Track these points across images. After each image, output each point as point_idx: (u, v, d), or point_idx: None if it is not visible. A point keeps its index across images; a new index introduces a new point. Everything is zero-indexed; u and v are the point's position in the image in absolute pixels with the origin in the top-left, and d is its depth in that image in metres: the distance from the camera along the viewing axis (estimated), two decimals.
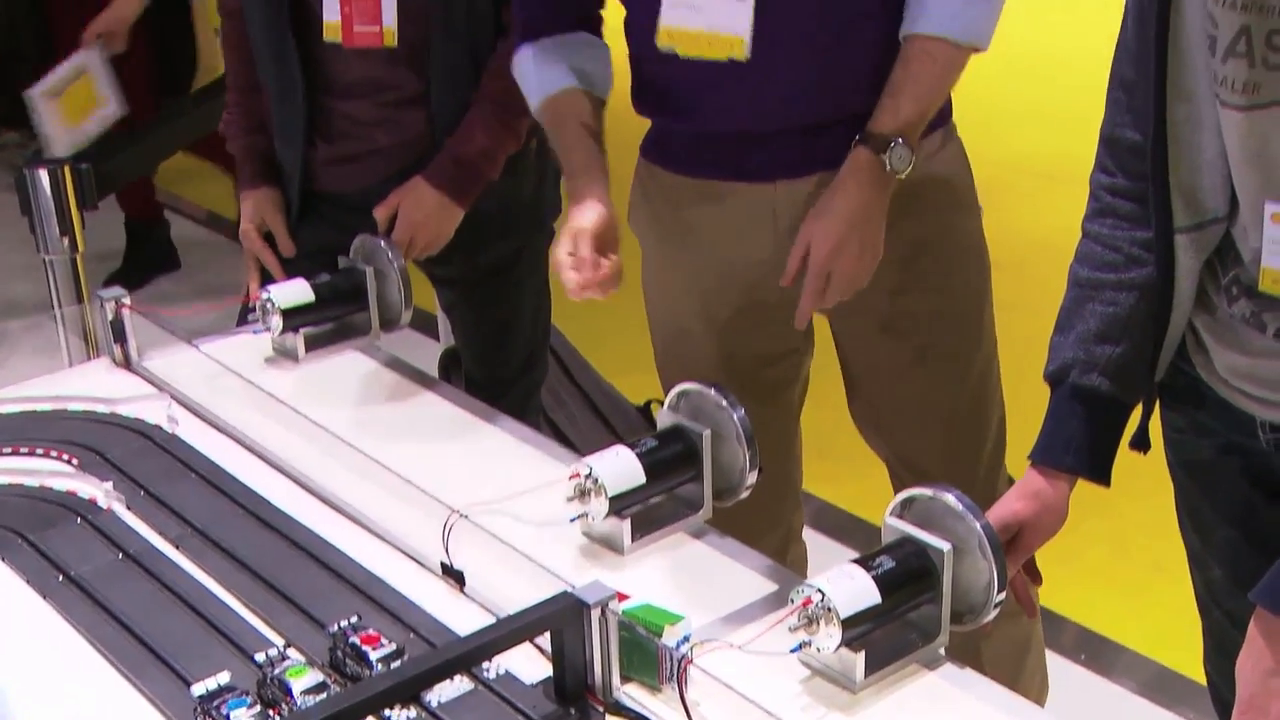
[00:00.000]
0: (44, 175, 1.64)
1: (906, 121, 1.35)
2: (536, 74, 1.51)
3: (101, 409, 1.49)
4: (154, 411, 1.47)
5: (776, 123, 1.41)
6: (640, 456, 1.18)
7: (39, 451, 1.39)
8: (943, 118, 1.48)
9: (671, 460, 1.21)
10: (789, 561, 1.68)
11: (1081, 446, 1.14)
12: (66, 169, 1.65)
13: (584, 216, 1.39)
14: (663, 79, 1.45)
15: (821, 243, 1.34)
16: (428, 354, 2.15)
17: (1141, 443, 1.20)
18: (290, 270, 1.75)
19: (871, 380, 1.57)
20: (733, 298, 1.52)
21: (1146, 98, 1.08)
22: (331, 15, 1.68)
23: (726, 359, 1.55)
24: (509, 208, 1.83)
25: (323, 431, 1.40)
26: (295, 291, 1.56)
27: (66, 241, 1.68)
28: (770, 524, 1.65)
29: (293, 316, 1.56)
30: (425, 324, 2.34)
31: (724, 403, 1.20)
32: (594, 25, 1.55)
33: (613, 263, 1.37)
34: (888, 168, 1.34)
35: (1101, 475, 1.15)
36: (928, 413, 1.54)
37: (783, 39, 1.37)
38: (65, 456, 1.39)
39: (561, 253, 1.38)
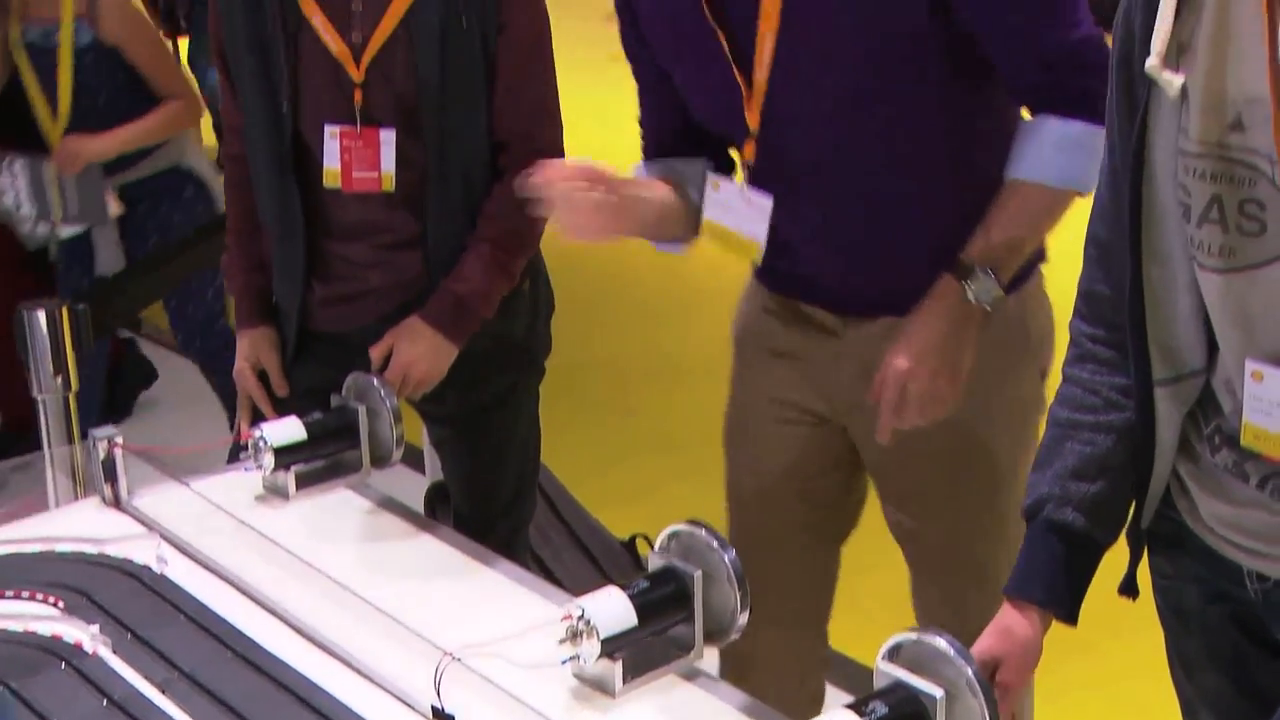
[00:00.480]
0: (41, 316, 1.67)
1: (994, 253, 1.39)
2: (638, 174, 1.61)
3: (90, 549, 1.49)
4: (143, 551, 1.47)
5: (836, 295, 1.52)
6: (632, 598, 1.19)
7: (25, 595, 1.39)
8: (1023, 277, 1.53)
9: (663, 602, 1.21)
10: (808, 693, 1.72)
11: (1052, 582, 1.15)
12: (65, 310, 1.68)
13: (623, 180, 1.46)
14: None
15: (898, 360, 1.38)
16: (414, 487, 2.16)
17: (1130, 589, 1.20)
18: (283, 408, 1.77)
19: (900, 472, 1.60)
20: (809, 402, 1.61)
21: (1122, 258, 1.12)
22: (331, 162, 1.74)
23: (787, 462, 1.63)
24: (502, 346, 1.86)
25: (313, 571, 1.40)
26: (288, 430, 1.58)
27: (60, 380, 1.70)
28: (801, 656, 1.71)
29: (285, 454, 1.57)
30: (412, 457, 2.36)
31: (715, 544, 1.21)
32: (719, 157, 1.62)
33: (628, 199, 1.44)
34: (970, 297, 1.38)
35: (1069, 612, 1.15)
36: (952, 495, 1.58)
37: (831, 237, 1.48)
38: (52, 599, 1.38)
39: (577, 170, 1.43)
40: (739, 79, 1.44)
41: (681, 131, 1.59)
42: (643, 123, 1.66)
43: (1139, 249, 1.10)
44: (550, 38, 1.79)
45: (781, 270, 1.58)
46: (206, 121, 5.48)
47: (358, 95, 1.72)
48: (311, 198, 1.78)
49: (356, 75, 1.71)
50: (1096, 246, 1.18)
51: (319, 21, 1.71)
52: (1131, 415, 1.15)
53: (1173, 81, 1.03)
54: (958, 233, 1.42)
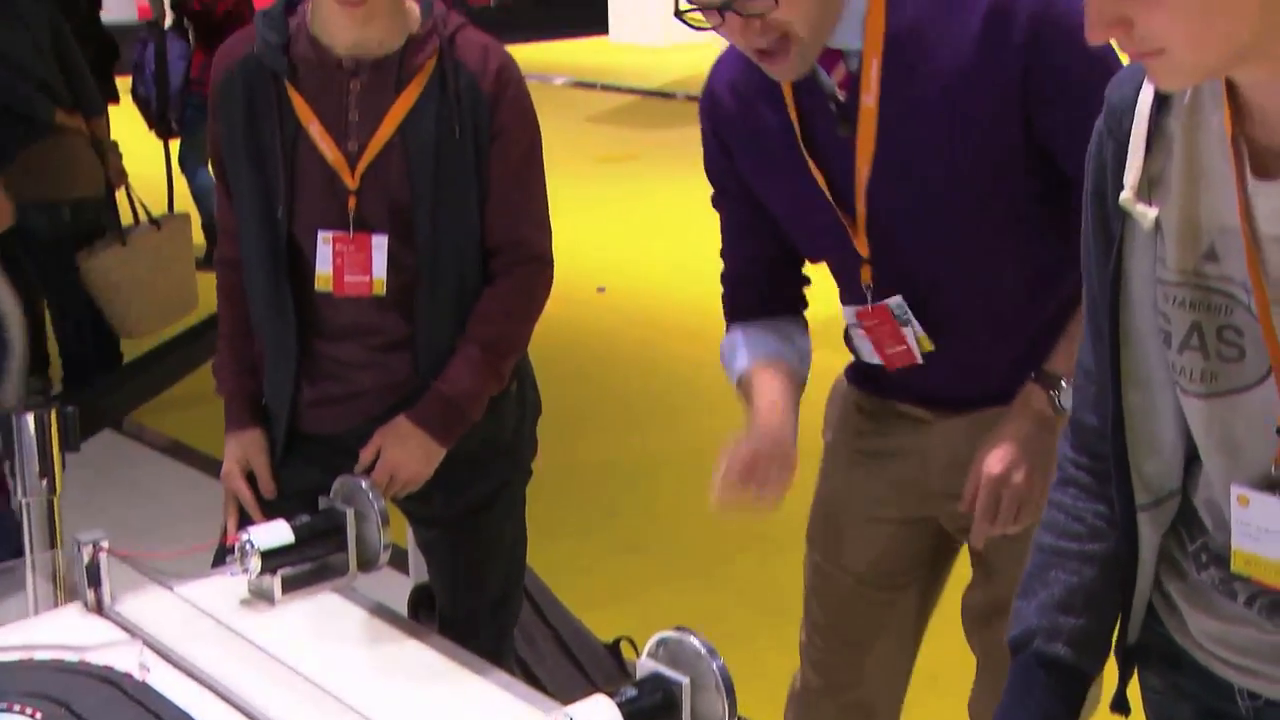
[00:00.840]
0: (30, 420, 1.66)
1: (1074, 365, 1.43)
2: (746, 345, 1.63)
3: (70, 657, 1.46)
4: (125, 658, 1.45)
5: (930, 394, 1.58)
6: (620, 706, 1.18)
7: (2, 706, 1.36)
8: None
9: (651, 710, 1.20)
10: None
11: (1042, 713, 1.15)
12: (54, 412, 1.67)
13: (771, 443, 1.49)
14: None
15: (991, 464, 1.42)
16: (399, 589, 2.14)
17: (1121, 706, 1.20)
18: (269, 511, 1.76)
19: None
20: (901, 499, 1.66)
21: (1103, 384, 1.14)
22: (324, 267, 1.76)
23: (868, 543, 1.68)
24: (490, 448, 1.87)
25: (298, 677, 1.38)
26: (275, 533, 1.57)
27: (45, 484, 1.69)
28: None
29: (271, 558, 1.56)
30: (397, 558, 2.34)
31: (703, 651, 1.21)
32: (798, 305, 1.70)
33: (781, 484, 1.48)
34: (1057, 405, 1.44)
35: None
36: None
37: (939, 347, 1.54)
38: (29, 710, 1.35)
39: (739, 456, 1.47)
40: (839, 212, 1.50)
41: (767, 260, 1.65)
42: (726, 253, 1.69)
43: (1119, 376, 1.12)
44: (541, 145, 1.83)
45: (878, 373, 1.62)
46: (196, 221, 5.57)
47: (352, 202, 1.75)
48: (304, 300, 1.80)
49: (351, 182, 1.74)
50: (1084, 376, 1.20)
51: (316, 130, 1.74)
52: (1114, 543, 1.16)
53: (1146, 214, 1.06)
54: (1049, 340, 1.48)
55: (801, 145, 1.50)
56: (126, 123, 5.21)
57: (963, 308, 1.54)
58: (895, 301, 1.52)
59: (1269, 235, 1.00)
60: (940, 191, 1.46)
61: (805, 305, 1.71)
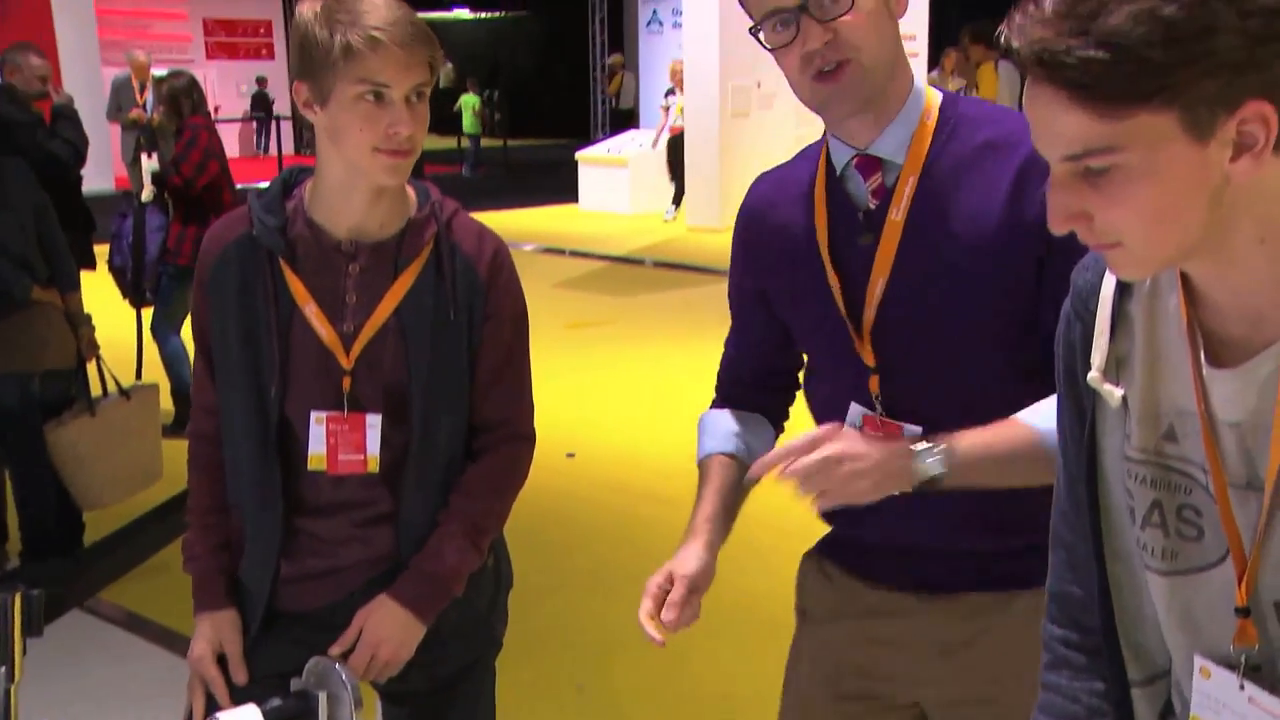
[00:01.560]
0: None
1: (958, 447, 1.38)
2: (711, 431, 1.71)
3: None
4: None
5: (912, 566, 1.53)
6: (265, 712, 1.35)
7: None
8: None
9: (291, 714, 1.42)
10: None
11: None
12: (17, 597, 1.64)
13: (687, 562, 1.55)
14: None
15: (841, 445, 1.35)
16: None
17: None
18: (240, 694, 1.72)
19: None
20: (877, 683, 1.63)
21: (1087, 558, 1.16)
22: (317, 447, 1.75)
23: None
24: (466, 621, 1.85)
25: None
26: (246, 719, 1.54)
27: (3, 671, 1.64)
28: None
29: None
30: None
31: (341, 673, 1.41)
32: (781, 412, 1.76)
33: (694, 608, 1.52)
34: (917, 465, 1.37)
35: None
36: None
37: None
38: None
39: (653, 584, 1.53)
40: (848, 320, 1.53)
41: (762, 370, 1.72)
42: (727, 358, 1.77)
43: (1101, 550, 1.13)
44: (528, 323, 1.86)
45: (853, 541, 1.61)
46: (165, 387, 5.57)
47: (346, 382, 1.75)
48: (290, 477, 1.79)
49: (346, 363, 1.75)
50: (1063, 548, 1.21)
51: (312, 310, 1.74)
52: None
53: (1114, 394, 1.10)
54: (1036, 495, 1.41)
55: (822, 247, 1.53)
56: (100, 290, 5.26)
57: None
58: (911, 430, 1.50)
59: (1224, 421, 1.04)
60: (950, 319, 1.48)
61: (786, 415, 1.76)
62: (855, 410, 1.55)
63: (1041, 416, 1.40)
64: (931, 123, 1.50)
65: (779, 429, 1.76)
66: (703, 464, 1.69)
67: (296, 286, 1.74)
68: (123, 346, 5.19)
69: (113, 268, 5.46)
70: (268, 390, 1.75)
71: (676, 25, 17.30)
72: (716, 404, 1.76)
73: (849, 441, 1.37)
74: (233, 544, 1.85)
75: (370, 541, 1.80)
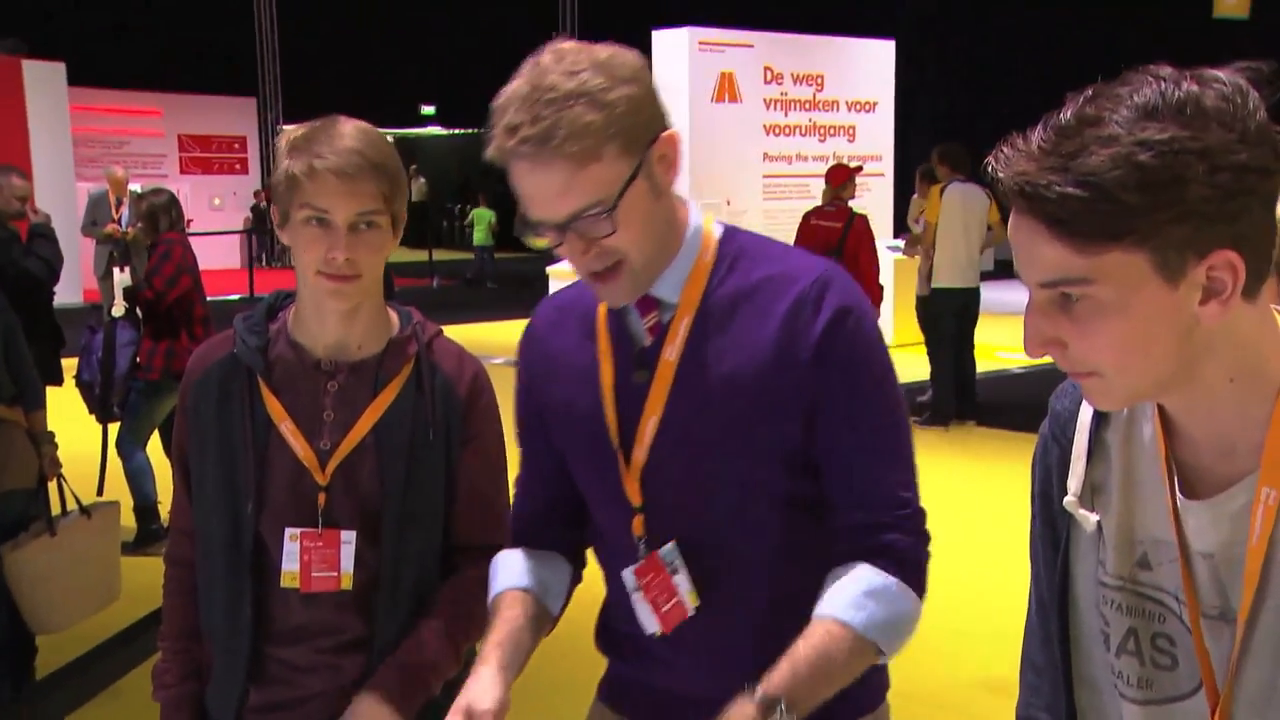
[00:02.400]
0: None
1: (797, 691, 1.34)
2: (503, 570, 1.63)
3: None
4: None
5: (716, 688, 1.43)
6: None
7: None
8: (869, 705, 1.54)
9: None
10: None
11: None
12: None
13: (483, 696, 1.45)
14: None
15: None
16: None
17: None
18: None
19: None
20: None
21: (1055, 683, 1.15)
22: (290, 564, 1.74)
23: None
24: None
25: None
26: None
27: None
28: None
29: None
30: None
31: None
32: (577, 553, 1.67)
33: None
34: None
35: None
36: None
37: (706, 627, 1.48)
38: None
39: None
40: (620, 456, 1.50)
41: (553, 500, 1.64)
42: (518, 493, 1.71)
43: (1070, 677, 1.13)
44: (504, 444, 1.85)
45: (640, 683, 1.57)
46: (128, 504, 5.49)
47: (321, 498, 1.74)
48: (260, 600, 1.76)
49: (321, 479, 1.75)
50: (1033, 673, 1.21)
51: (288, 428, 1.75)
52: None
53: (1089, 519, 1.11)
54: (792, 636, 1.40)
55: (604, 380, 1.52)
56: (66, 404, 5.22)
57: (722, 577, 1.49)
58: (667, 549, 1.49)
59: (1197, 551, 1.05)
60: (716, 459, 1.46)
61: (583, 557, 1.68)
62: (628, 575, 1.53)
63: (848, 607, 1.39)
64: (709, 260, 1.49)
65: (576, 566, 1.68)
66: (492, 603, 1.61)
67: (273, 404, 1.76)
68: (86, 461, 5.12)
69: (80, 382, 5.42)
70: (243, 508, 1.75)
71: None
72: (509, 546, 1.68)
73: None
74: (203, 671, 1.82)
75: (340, 669, 1.76)
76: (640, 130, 1.39)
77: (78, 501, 3.94)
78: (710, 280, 1.48)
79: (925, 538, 1.46)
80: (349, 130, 1.69)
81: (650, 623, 1.52)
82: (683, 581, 1.49)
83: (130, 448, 5.55)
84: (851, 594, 1.41)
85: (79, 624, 3.93)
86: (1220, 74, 0.97)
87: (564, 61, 1.37)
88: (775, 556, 1.48)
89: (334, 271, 1.69)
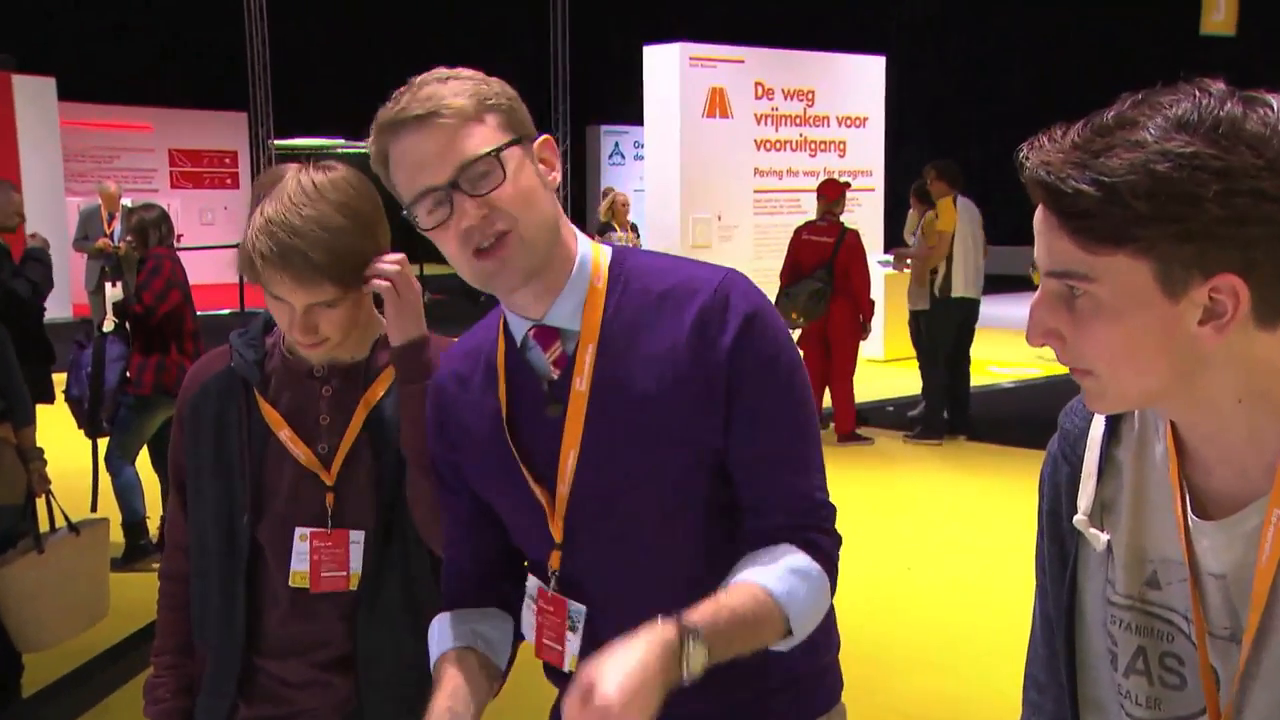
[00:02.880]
0: None
1: (716, 632, 1.28)
2: (439, 634, 1.57)
3: None
4: None
5: None
6: None
7: None
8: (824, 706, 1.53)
9: None
10: None
11: None
12: None
13: None
14: None
15: (606, 689, 1.19)
16: None
17: None
18: None
19: None
20: None
21: (1060, 702, 1.14)
22: (300, 564, 1.74)
23: None
24: None
25: None
26: None
27: None
28: None
29: None
30: None
31: None
32: (512, 601, 1.61)
33: None
34: (681, 657, 1.25)
35: None
36: None
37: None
38: None
39: None
40: (540, 494, 1.48)
41: (481, 551, 1.59)
42: (446, 552, 1.63)
43: (1075, 696, 1.12)
44: None
45: None
46: (117, 519, 5.45)
47: (330, 499, 1.75)
48: (254, 613, 1.76)
49: (329, 480, 1.75)
50: (1036, 691, 1.20)
51: (286, 435, 1.76)
52: None
53: (1099, 538, 1.10)
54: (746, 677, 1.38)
55: (505, 427, 1.49)
56: (56, 422, 5.19)
57: (652, 611, 1.38)
58: (577, 609, 1.48)
59: (1208, 571, 1.04)
60: (638, 484, 1.44)
61: (519, 604, 1.60)
62: (532, 582, 1.53)
63: (773, 577, 1.37)
64: (602, 285, 1.48)
65: (518, 620, 1.60)
66: (434, 671, 1.54)
67: (270, 414, 1.77)
68: (78, 477, 5.10)
69: (70, 398, 5.39)
70: (239, 519, 1.75)
71: (638, 157, 17.72)
72: (442, 610, 1.61)
73: (612, 675, 1.21)
74: (192, 686, 1.82)
75: (330, 685, 1.76)
76: (518, 119, 1.44)
77: (66, 518, 3.92)
78: (607, 303, 1.47)
79: (838, 540, 1.47)
80: (313, 213, 1.62)
81: (529, 633, 1.52)
82: (573, 643, 1.48)
83: (119, 463, 5.52)
84: (777, 567, 1.39)
85: (67, 640, 3.91)
86: (1273, 99, 0.96)
87: (441, 71, 1.46)
88: (690, 580, 1.43)
89: (302, 342, 1.71)
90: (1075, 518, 1.12)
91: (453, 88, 1.41)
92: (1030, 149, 0.99)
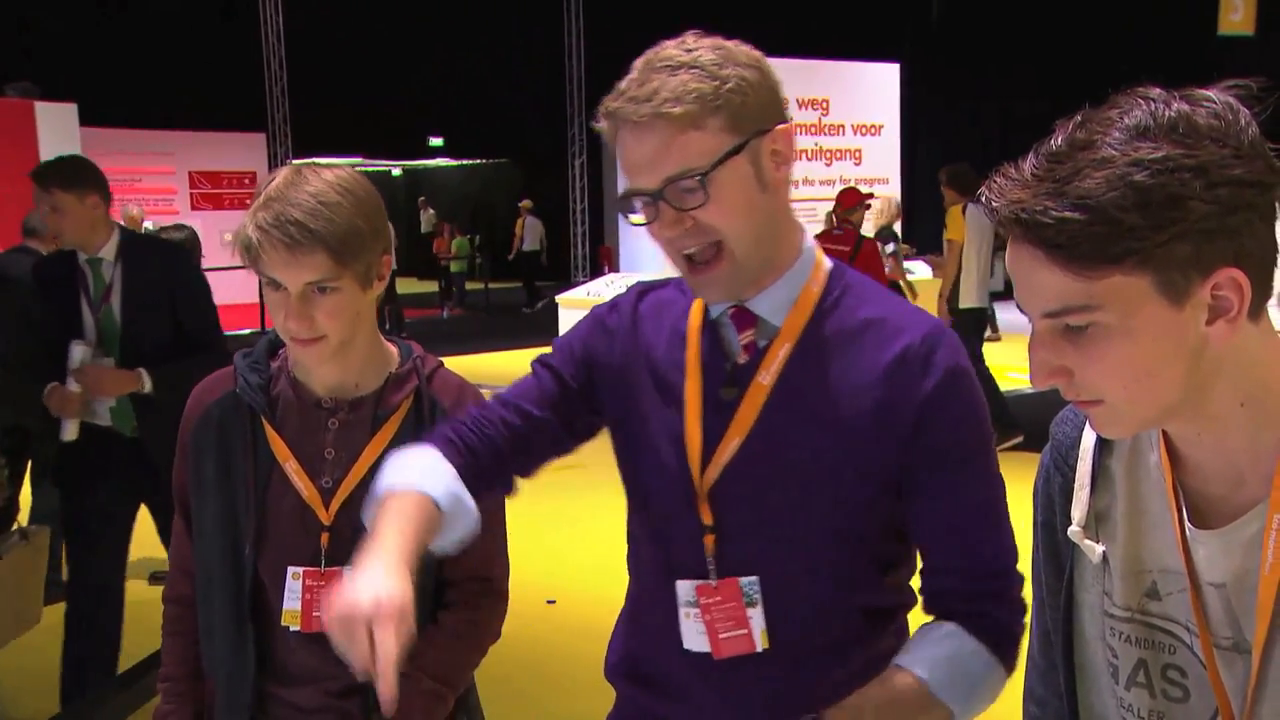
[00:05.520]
0: None
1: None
2: (402, 464, 1.44)
3: None
4: None
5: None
6: None
7: None
8: None
9: None
10: None
11: None
12: None
13: (392, 590, 1.24)
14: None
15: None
16: None
17: None
18: None
19: None
20: None
21: (1060, 717, 1.14)
22: (292, 604, 1.73)
23: None
24: None
25: None
26: None
27: None
28: None
29: None
30: None
31: None
32: (503, 481, 1.55)
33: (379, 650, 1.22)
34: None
35: None
36: None
37: (786, 654, 1.44)
38: None
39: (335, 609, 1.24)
40: (693, 470, 1.44)
41: (528, 435, 1.51)
42: (504, 395, 1.55)
43: (1076, 711, 1.12)
44: None
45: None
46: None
47: (324, 538, 1.73)
48: (263, 640, 1.75)
49: (325, 519, 1.74)
50: (1035, 704, 1.19)
51: (292, 467, 1.74)
52: None
53: (1094, 549, 1.10)
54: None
55: (691, 393, 1.45)
56: None
57: (794, 615, 1.44)
58: (748, 580, 1.43)
59: (1207, 581, 1.03)
60: (798, 489, 1.42)
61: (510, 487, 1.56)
62: (684, 587, 1.47)
63: (928, 664, 1.36)
64: (818, 289, 1.45)
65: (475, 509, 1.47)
66: (386, 496, 1.40)
67: (277, 444, 1.74)
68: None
69: None
70: (243, 548, 1.73)
71: None
72: (435, 438, 1.49)
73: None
74: (205, 713, 1.81)
75: (342, 711, 1.76)
76: (750, 112, 1.37)
77: (19, 525, 3.96)
78: (816, 310, 1.44)
79: (1022, 607, 1.40)
80: (311, 189, 1.64)
81: (699, 643, 1.45)
82: (758, 617, 1.43)
83: None
84: (934, 653, 1.37)
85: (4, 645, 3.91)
86: (1209, 93, 0.96)
87: (684, 43, 1.37)
88: (838, 604, 1.43)
89: (293, 336, 1.68)
90: (1070, 529, 1.11)
91: (680, 81, 1.33)
92: (991, 191, 0.98)
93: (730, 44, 1.38)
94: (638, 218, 1.39)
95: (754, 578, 1.43)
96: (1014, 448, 7.70)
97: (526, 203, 20.48)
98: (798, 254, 1.46)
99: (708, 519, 1.44)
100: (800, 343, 1.43)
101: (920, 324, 1.43)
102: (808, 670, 1.45)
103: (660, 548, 1.52)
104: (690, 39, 1.38)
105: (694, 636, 1.46)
